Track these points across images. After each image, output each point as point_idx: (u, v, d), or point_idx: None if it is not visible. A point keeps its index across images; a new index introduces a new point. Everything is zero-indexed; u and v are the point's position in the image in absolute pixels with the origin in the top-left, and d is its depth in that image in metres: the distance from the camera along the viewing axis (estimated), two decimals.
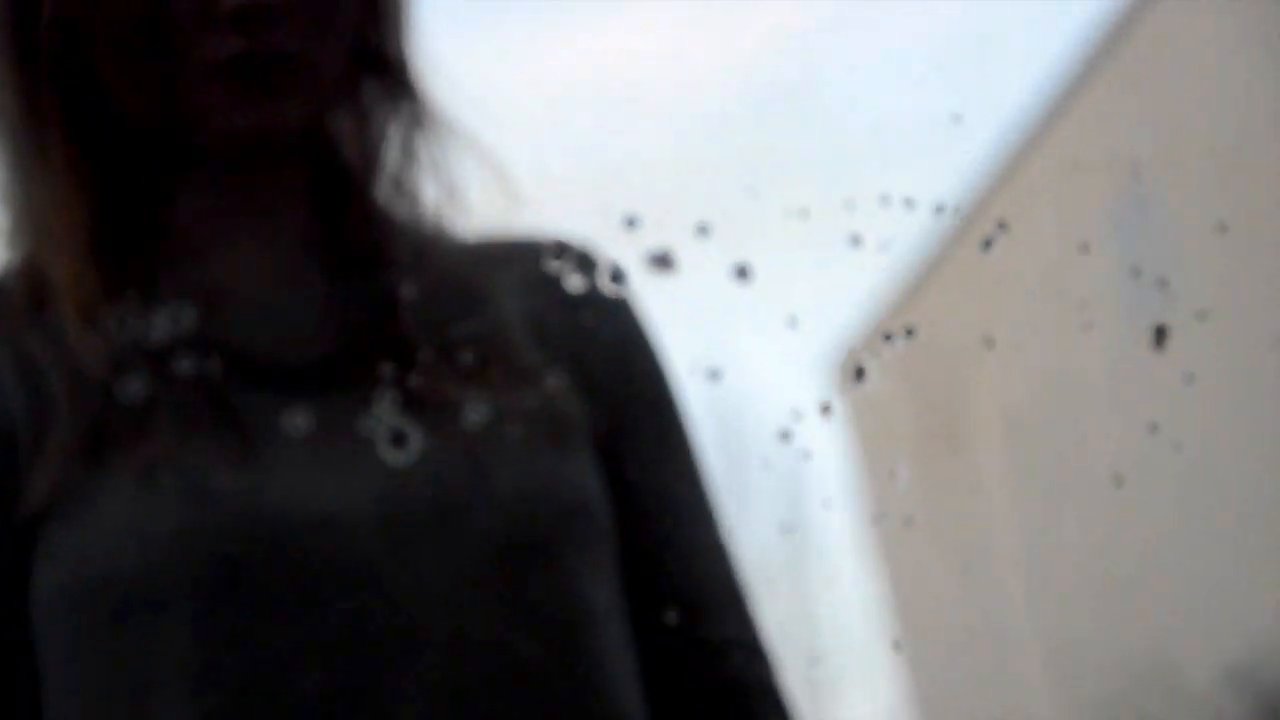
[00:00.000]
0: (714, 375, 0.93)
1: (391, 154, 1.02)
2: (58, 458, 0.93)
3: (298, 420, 0.93)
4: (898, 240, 0.92)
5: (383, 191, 1.02)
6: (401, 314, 0.98)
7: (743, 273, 0.87)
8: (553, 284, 1.03)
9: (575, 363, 1.02)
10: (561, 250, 1.04)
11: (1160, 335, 1.01)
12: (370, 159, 1.02)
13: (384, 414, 0.89)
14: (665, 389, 1.06)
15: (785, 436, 0.94)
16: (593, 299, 1.03)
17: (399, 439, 0.85)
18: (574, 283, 1.03)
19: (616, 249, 0.89)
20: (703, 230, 0.86)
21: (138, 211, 0.99)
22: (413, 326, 0.98)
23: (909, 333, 0.99)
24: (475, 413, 0.95)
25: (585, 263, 1.04)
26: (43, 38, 0.97)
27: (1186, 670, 9.94)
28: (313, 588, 0.92)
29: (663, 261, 0.85)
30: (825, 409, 0.94)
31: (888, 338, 1.04)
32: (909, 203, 0.93)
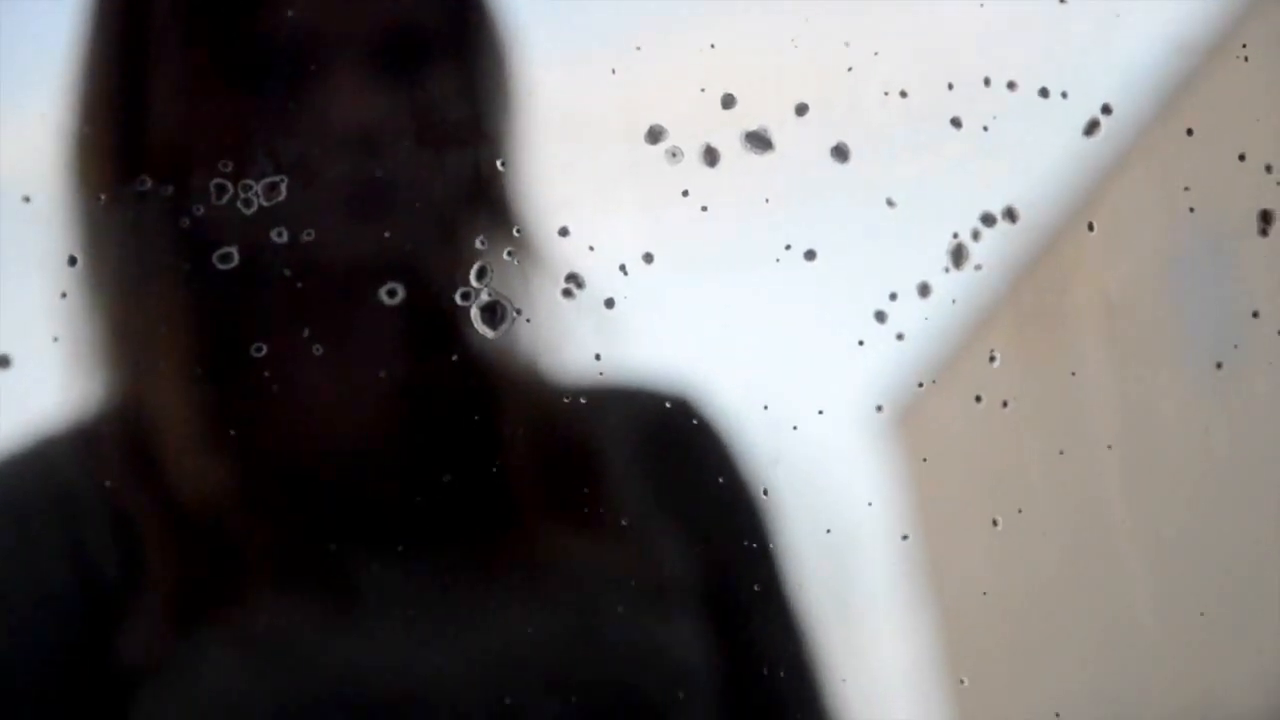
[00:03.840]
0: (810, 255, 0.93)
1: (491, 295, 0.97)
2: (153, 618, 0.94)
3: (399, 580, 0.94)
4: (999, 122, 0.92)
5: (481, 333, 0.99)
6: (505, 461, 0.98)
7: (841, 153, 0.87)
8: (658, 438, 1.03)
9: (681, 520, 1.02)
10: (667, 401, 1.03)
11: (1266, 219, 1.01)
12: (470, 299, 0.97)
13: (481, 286, 0.89)
14: (770, 545, 1.05)
15: (881, 317, 0.94)
16: (698, 455, 1.03)
17: (493, 311, 0.84)
18: (676, 432, 1.02)
19: (715, 129, 0.89)
20: (801, 110, 0.86)
21: (237, 342, 0.97)
22: (514, 472, 0.98)
23: (1010, 215, 0.99)
24: (579, 568, 0.96)
25: (688, 415, 1.03)
26: (147, 169, 0.95)
27: None
28: None
29: (760, 141, 0.86)
30: (923, 290, 0.94)
31: (988, 220, 1.03)
32: (1011, 85, 0.92)
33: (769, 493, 1.04)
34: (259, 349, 0.97)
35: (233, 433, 0.96)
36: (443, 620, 0.95)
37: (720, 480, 1.04)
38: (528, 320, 0.92)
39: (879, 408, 0.97)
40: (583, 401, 1.02)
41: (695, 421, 1.03)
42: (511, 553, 0.96)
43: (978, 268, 0.84)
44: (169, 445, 0.96)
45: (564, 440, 1.01)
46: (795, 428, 0.83)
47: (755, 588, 1.03)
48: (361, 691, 0.93)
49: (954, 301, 0.72)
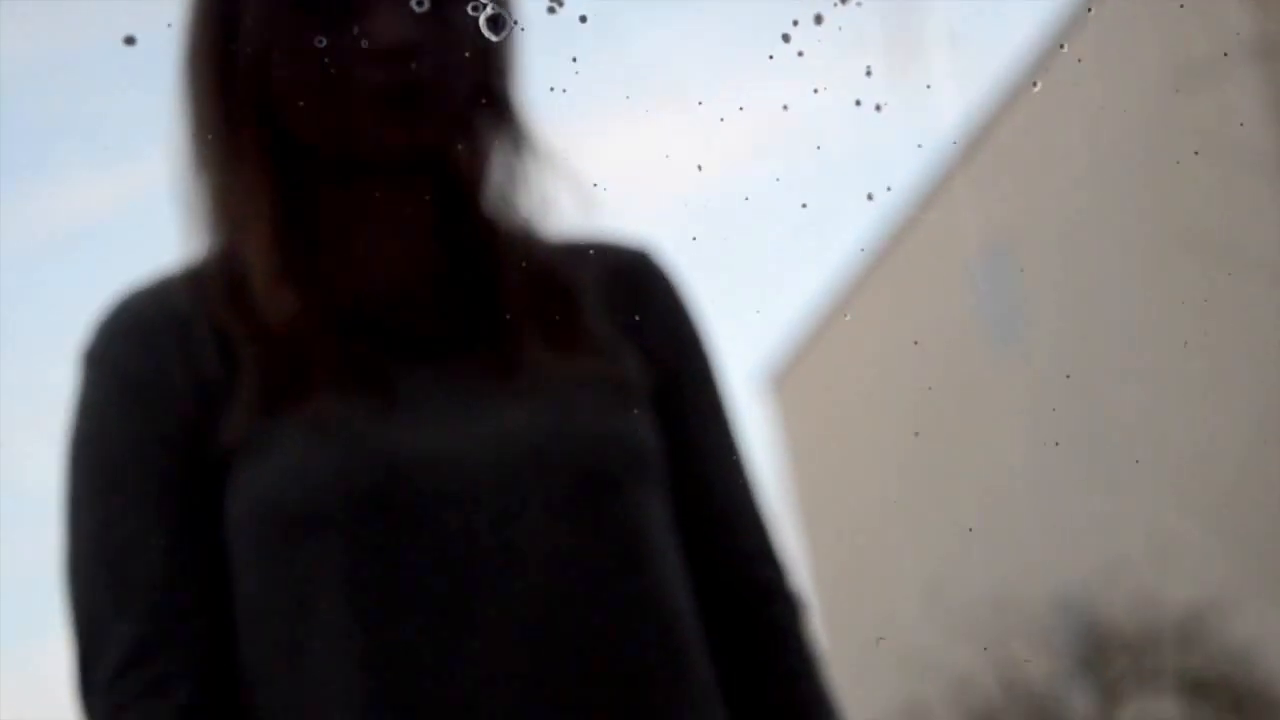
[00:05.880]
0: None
1: (497, 174, 1.24)
2: (244, 409, 1.15)
3: (427, 383, 1.16)
4: None
5: (490, 203, 1.24)
6: (507, 299, 1.21)
7: None
8: (621, 278, 1.27)
9: (638, 338, 1.25)
10: (628, 251, 1.28)
11: None
12: (480, 178, 1.24)
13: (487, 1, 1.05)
14: (706, 360, 1.29)
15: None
16: (652, 291, 1.28)
17: (496, 21, 1.01)
18: (636, 275, 1.26)
19: None
20: None
21: (308, 210, 1.20)
22: (514, 307, 1.21)
23: None
24: (561, 375, 1.19)
25: (645, 262, 1.28)
26: (240, 77, 1.19)
27: None
28: (437, 511, 1.13)
29: None
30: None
31: None
32: None
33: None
34: (321, 214, 1.22)
35: (303, 274, 1.19)
36: (459, 412, 1.17)
37: (669, 313, 1.29)
38: (522, 29, 1.12)
39: None
40: (566, 252, 1.27)
41: (652, 268, 1.29)
42: (511, 364, 1.20)
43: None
44: (256, 282, 1.19)
45: (550, 280, 1.25)
46: (722, 119, 0.87)
47: (693, 391, 1.28)
48: (397, 463, 1.15)
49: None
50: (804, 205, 0.87)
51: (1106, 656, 9.99)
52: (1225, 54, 8.83)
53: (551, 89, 0.88)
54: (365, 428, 1.15)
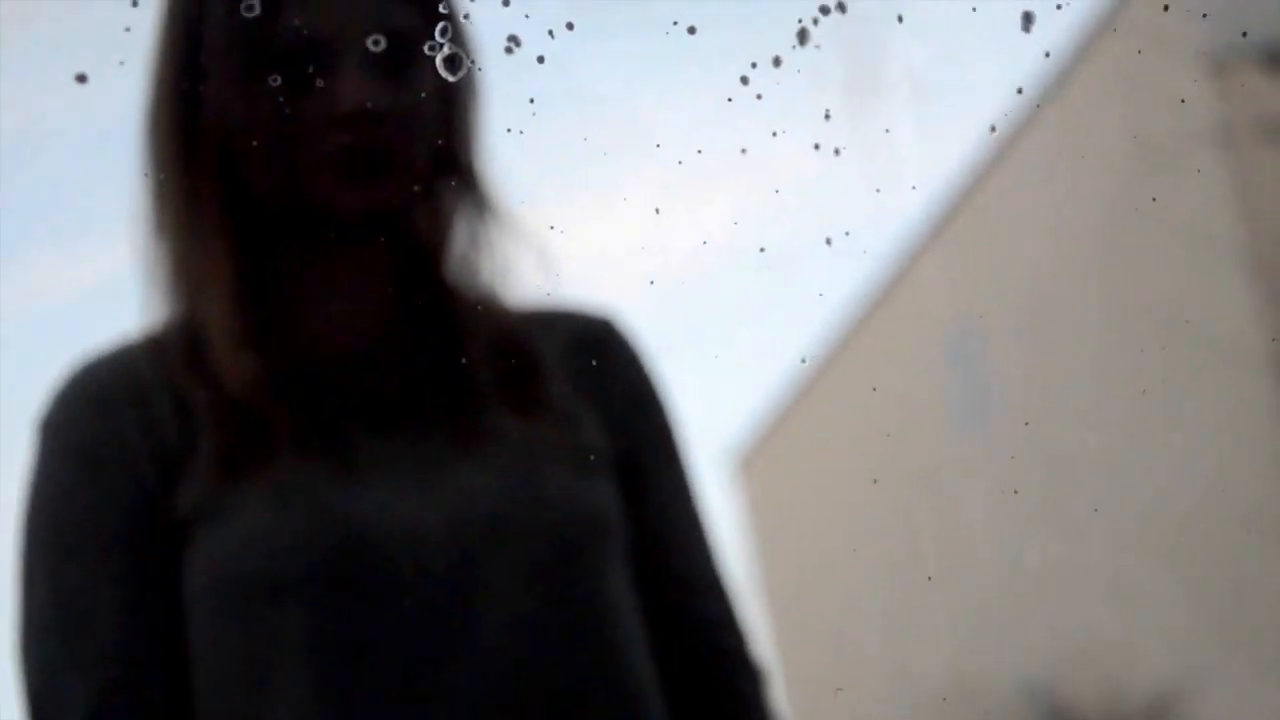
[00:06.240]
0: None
1: (459, 239, 1.24)
2: (203, 475, 1.16)
3: (387, 449, 1.16)
4: None
5: (452, 268, 1.24)
6: (466, 365, 1.21)
7: None
8: (584, 346, 1.27)
9: (600, 405, 1.25)
10: (591, 319, 1.28)
11: None
12: (442, 242, 1.24)
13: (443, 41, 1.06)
14: (669, 427, 1.29)
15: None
16: (614, 359, 1.28)
17: (453, 60, 1.01)
18: (599, 343, 1.26)
19: None
20: None
21: (268, 274, 1.21)
22: (475, 375, 1.21)
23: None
24: (523, 442, 1.19)
25: (608, 330, 1.28)
26: (201, 139, 1.19)
27: None
28: (398, 580, 1.13)
29: None
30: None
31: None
32: None
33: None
34: (281, 278, 1.21)
35: (264, 339, 1.19)
36: (420, 479, 1.17)
37: (632, 381, 1.28)
38: (479, 69, 1.12)
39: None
40: (528, 318, 1.27)
41: (615, 336, 1.29)
42: (473, 430, 1.19)
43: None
44: (216, 348, 1.19)
45: (513, 347, 1.24)
46: (680, 162, 0.87)
47: (655, 458, 1.28)
48: (358, 530, 1.14)
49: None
50: (761, 249, 0.86)
51: None
52: (1188, 138, 8.95)
53: (509, 130, 0.87)
54: (326, 494, 1.15)
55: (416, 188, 1.21)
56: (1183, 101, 9.54)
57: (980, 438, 12.21)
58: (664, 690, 1.21)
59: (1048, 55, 0.84)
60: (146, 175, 1.22)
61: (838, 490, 14.11)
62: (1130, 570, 10.78)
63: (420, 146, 1.20)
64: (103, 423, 1.18)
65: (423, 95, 1.19)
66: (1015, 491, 11.80)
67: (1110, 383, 10.53)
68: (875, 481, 13.68)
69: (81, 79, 0.86)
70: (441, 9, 1.22)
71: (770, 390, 14.92)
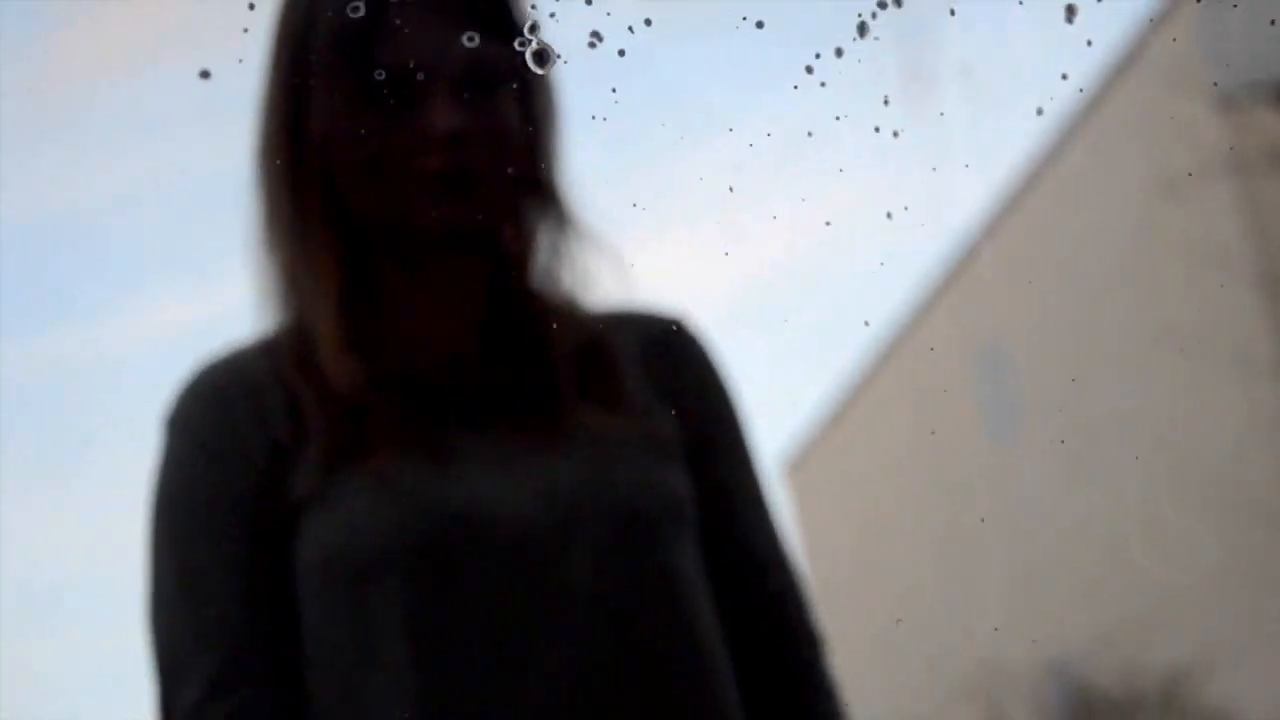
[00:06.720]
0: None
1: (542, 251, 1.24)
2: (312, 467, 1.15)
3: (480, 441, 1.16)
4: None
5: (535, 279, 1.24)
6: (552, 364, 1.21)
7: None
8: (657, 346, 1.26)
9: (672, 398, 1.24)
10: (663, 321, 1.27)
11: None
12: (527, 254, 1.23)
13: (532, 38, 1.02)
14: (735, 416, 1.28)
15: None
16: (684, 357, 1.27)
17: (541, 55, 0.97)
18: (671, 342, 1.26)
19: None
20: None
21: (370, 285, 1.21)
22: (558, 374, 1.21)
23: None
24: (602, 433, 1.19)
25: (679, 330, 1.27)
26: (307, 163, 1.19)
27: None
28: (489, 558, 1.13)
29: None
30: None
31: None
32: None
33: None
34: (382, 288, 1.21)
35: (367, 343, 1.19)
36: (508, 468, 1.16)
37: (700, 376, 1.27)
38: (565, 62, 1.10)
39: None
40: (606, 321, 1.26)
41: (686, 335, 1.28)
42: (557, 424, 1.19)
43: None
44: (324, 351, 1.18)
45: (593, 349, 1.23)
46: (751, 144, 0.86)
47: (722, 445, 1.27)
48: (451, 513, 1.14)
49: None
50: (827, 223, 0.84)
51: (1093, 717, 9.85)
52: (1203, 167, 8.85)
53: (593, 118, 0.86)
54: (422, 482, 1.14)
55: (503, 205, 1.21)
56: (1196, 134, 9.44)
57: (1011, 445, 12.10)
58: (733, 659, 1.20)
59: (1089, 44, 0.82)
60: (259, 195, 1.22)
61: (880, 496, 14.03)
62: (1151, 560, 10.64)
63: (505, 167, 1.19)
64: (221, 418, 1.18)
65: (507, 119, 1.19)
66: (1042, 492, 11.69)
67: (1132, 391, 10.41)
68: (913, 487, 13.59)
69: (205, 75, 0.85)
70: (523, 33, 1.21)
71: (819, 395, 14.84)
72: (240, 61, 1.07)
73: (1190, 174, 8.89)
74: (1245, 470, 9.51)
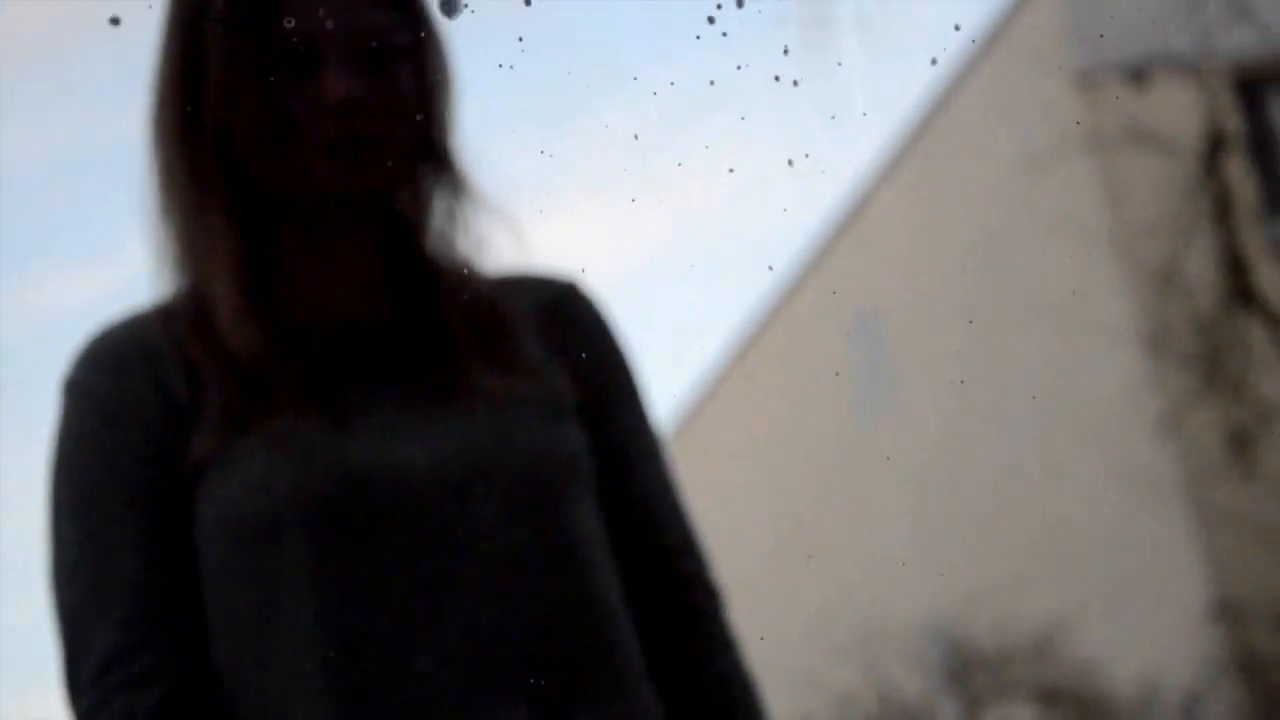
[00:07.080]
0: None
1: (438, 216, 1.25)
2: (211, 428, 1.16)
3: (377, 402, 1.17)
4: None
5: (431, 243, 1.25)
6: (448, 326, 1.22)
7: None
8: (551, 307, 1.28)
9: (566, 359, 1.25)
10: (557, 283, 1.29)
11: None
12: (423, 219, 1.25)
13: None
14: (629, 375, 1.30)
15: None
16: (578, 318, 1.29)
17: (449, 5, 0.95)
18: (564, 304, 1.27)
19: None
20: None
21: (267, 249, 1.21)
22: (454, 336, 1.22)
23: None
24: (499, 393, 1.20)
25: (572, 292, 1.29)
26: (204, 130, 1.19)
27: None
28: (389, 517, 1.13)
29: None
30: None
31: None
32: None
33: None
34: (279, 253, 1.22)
35: (264, 307, 1.20)
36: (406, 428, 1.18)
37: (593, 336, 1.30)
38: (473, 11, 1.10)
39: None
40: (501, 284, 1.29)
41: (579, 297, 1.30)
42: (453, 384, 1.20)
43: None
44: (221, 315, 1.19)
45: (487, 310, 1.25)
46: (655, 93, 0.88)
47: (617, 403, 1.29)
48: (349, 471, 1.15)
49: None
50: (730, 170, 0.86)
51: (970, 671, 10.07)
52: (1063, 144, 9.04)
53: (500, 66, 0.87)
54: (320, 441, 1.15)
55: (398, 171, 1.21)
56: (1057, 111, 9.63)
57: (884, 415, 12.28)
58: (632, 610, 1.21)
59: None
60: (154, 160, 1.22)
61: (756, 458, 14.16)
62: (1018, 530, 10.88)
63: (401, 134, 1.20)
64: (119, 382, 1.18)
65: (402, 87, 1.19)
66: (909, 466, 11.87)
67: (999, 357, 10.61)
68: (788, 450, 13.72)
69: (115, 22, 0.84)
70: (416, 6, 1.22)
71: (723, 341, 14.72)
72: (150, 7, 1.06)
73: (1050, 150, 9.08)
74: (1109, 434, 9.75)
